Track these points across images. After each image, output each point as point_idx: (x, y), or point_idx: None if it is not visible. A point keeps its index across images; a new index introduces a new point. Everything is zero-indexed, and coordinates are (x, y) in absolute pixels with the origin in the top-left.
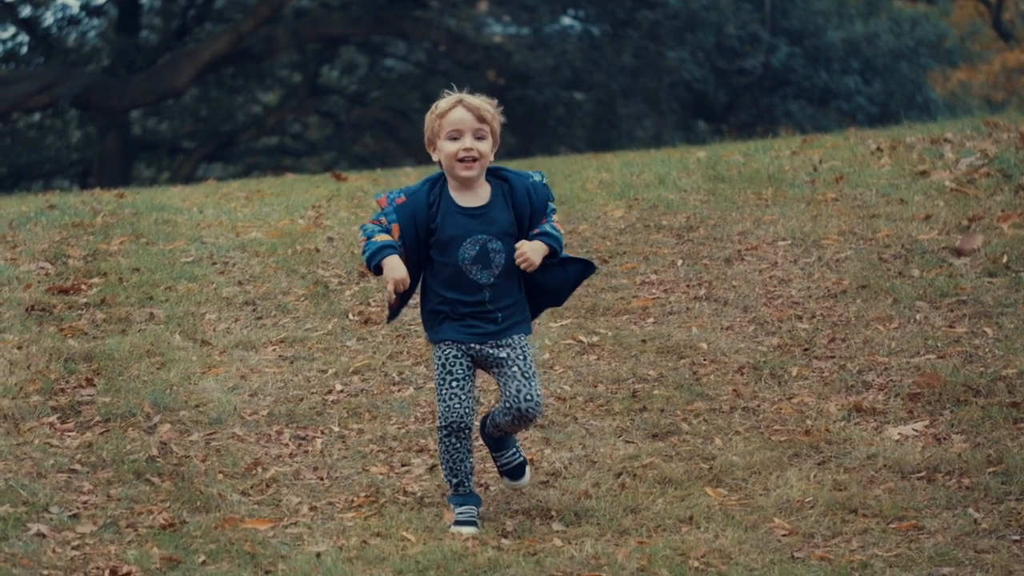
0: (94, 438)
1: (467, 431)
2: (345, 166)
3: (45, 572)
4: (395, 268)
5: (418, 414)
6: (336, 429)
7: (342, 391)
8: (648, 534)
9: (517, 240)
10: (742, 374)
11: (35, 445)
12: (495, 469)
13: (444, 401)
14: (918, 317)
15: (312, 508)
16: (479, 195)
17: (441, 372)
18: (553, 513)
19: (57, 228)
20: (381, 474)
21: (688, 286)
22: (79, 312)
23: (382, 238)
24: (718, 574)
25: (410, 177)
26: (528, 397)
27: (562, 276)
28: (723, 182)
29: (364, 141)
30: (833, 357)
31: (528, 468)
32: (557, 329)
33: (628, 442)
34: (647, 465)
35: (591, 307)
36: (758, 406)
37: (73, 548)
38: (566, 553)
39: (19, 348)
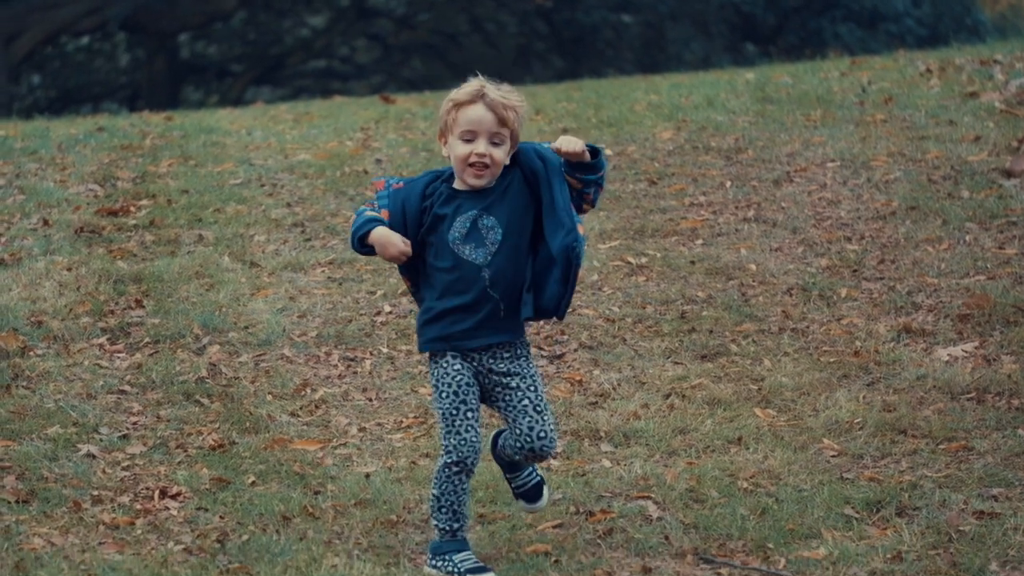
0: (143, 359)
1: (475, 466)
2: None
3: (95, 492)
4: (387, 240)
5: None
6: (385, 350)
7: (391, 312)
8: (697, 455)
9: (524, 223)
10: (791, 295)
11: (85, 366)
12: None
13: (457, 433)
14: (968, 238)
15: (361, 429)
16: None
17: (453, 399)
18: (602, 434)
19: (106, 150)
20: (430, 395)
21: (737, 207)
22: (128, 234)
23: (369, 213)
24: (767, 495)
25: None
26: (542, 434)
27: (556, 291)
28: (772, 104)
29: (412, 64)
30: (882, 278)
31: (546, 488)
32: (606, 250)
33: (677, 363)
34: (696, 386)
35: (639, 228)
36: (807, 327)
37: (123, 469)
38: (615, 474)
39: (68, 270)
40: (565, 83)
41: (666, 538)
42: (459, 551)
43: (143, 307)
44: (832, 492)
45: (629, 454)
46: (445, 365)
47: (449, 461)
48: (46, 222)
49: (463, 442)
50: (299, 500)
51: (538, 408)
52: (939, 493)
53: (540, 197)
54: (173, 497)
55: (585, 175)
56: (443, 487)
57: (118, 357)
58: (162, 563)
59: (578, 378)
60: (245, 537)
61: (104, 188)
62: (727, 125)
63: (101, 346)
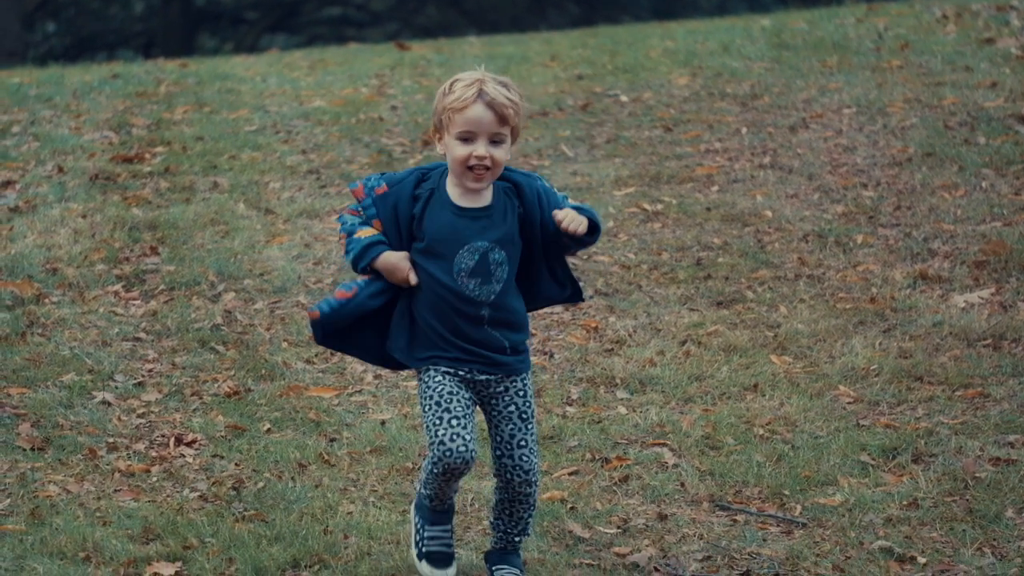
0: (159, 307)
1: (465, 467)
2: (408, 36)
3: (111, 439)
4: (394, 266)
5: None
6: None
7: None
8: (713, 402)
9: (519, 252)
10: (807, 242)
11: (100, 314)
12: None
13: (442, 443)
14: (984, 185)
15: (376, 376)
16: (481, 195)
17: (435, 409)
18: (617, 381)
19: (121, 97)
20: None
21: (752, 154)
22: (143, 181)
23: (366, 232)
24: (783, 441)
25: (473, 47)
26: (522, 443)
27: (556, 294)
28: (787, 50)
29: (427, 11)
30: (898, 225)
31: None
32: (621, 197)
33: (692, 310)
34: (712, 333)
35: (655, 175)
36: (823, 274)
37: (138, 416)
38: (631, 420)
39: (83, 217)
40: (580, 30)
41: (682, 485)
42: (434, 524)
43: (158, 254)
44: (848, 439)
45: (645, 401)
46: (427, 379)
47: (434, 462)
48: (61, 169)
49: (447, 452)
50: (314, 447)
51: (523, 416)
52: (955, 440)
53: (530, 237)
54: (188, 444)
55: (578, 243)
56: (429, 479)
57: (133, 304)
58: (177, 510)
59: (594, 325)
60: (260, 484)
61: (119, 135)
62: (743, 71)
63: (116, 293)
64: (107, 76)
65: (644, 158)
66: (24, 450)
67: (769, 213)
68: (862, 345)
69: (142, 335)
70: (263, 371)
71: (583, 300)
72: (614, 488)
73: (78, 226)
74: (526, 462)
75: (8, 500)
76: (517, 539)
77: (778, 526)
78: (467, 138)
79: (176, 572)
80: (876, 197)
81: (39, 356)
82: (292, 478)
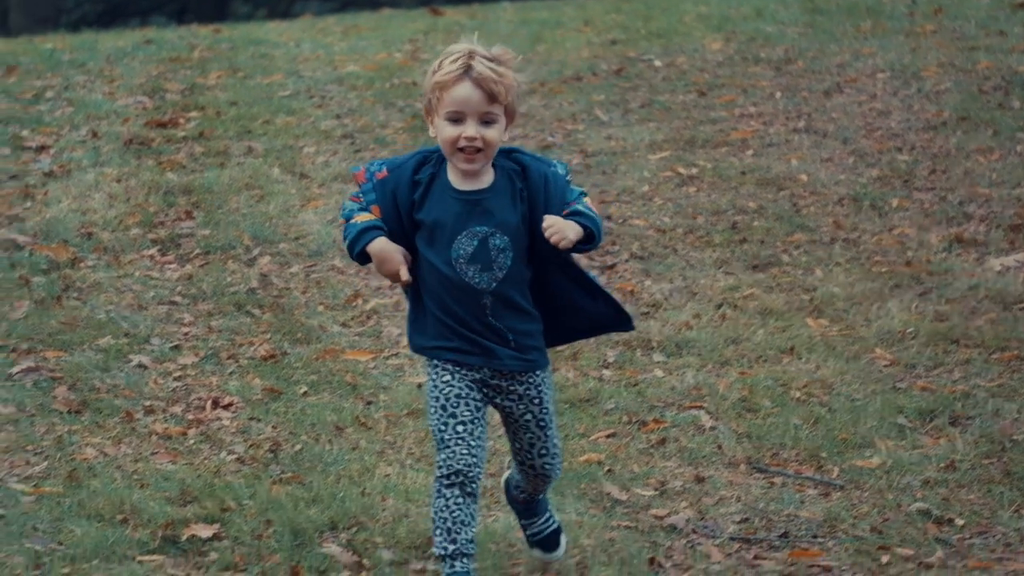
0: (194, 270)
1: (474, 484)
2: (441, 2)
3: (147, 403)
4: (387, 255)
5: None
6: None
7: None
8: (749, 365)
9: (525, 238)
10: (842, 205)
11: (136, 278)
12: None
13: (446, 446)
14: (1019, 148)
15: None
16: (479, 180)
17: (440, 413)
18: (654, 344)
19: (154, 63)
20: None
21: (787, 118)
22: (177, 146)
23: (363, 217)
24: (820, 404)
25: (506, 12)
26: (543, 451)
27: (588, 306)
28: (821, 14)
29: None
30: (933, 188)
31: (563, 536)
32: (656, 161)
33: (728, 273)
34: (748, 296)
35: (690, 139)
36: (858, 237)
37: (175, 379)
38: (667, 384)
39: (118, 181)
40: None
41: (719, 447)
42: None
43: (193, 218)
44: (885, 401)
45: (681, 364)
46: (435, 376)
47: (439, 475)
48: (95, 134)
49: (451, 455)
50: (351, 410)
51: (541, 424)
52: (992, 402)
53: (533, 225)
54: (225, 407)
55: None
56: (436, 503)
57: (169, 268)
58: (215, 473)
59: (630, 288)
60: (298, 447)
61: (153, 100)
62: (777, 36)
63: (151, 257)
64: (140, 42)
65: (678, 122)
66: (61, 413)
67: (804, 177)
68: (898, 308)
69: (178, 299)
70: (299, 334)
71: (630, 325)
72: (651, 451)
73: (113, 190)
74: (549, 468)
75: (46, 463)
76: (549, 530)
77: (815, 488)
78: (456, 119)
79: (214, 534)
80: (911, 161)
81: (75, 320)
82: (329, 441)
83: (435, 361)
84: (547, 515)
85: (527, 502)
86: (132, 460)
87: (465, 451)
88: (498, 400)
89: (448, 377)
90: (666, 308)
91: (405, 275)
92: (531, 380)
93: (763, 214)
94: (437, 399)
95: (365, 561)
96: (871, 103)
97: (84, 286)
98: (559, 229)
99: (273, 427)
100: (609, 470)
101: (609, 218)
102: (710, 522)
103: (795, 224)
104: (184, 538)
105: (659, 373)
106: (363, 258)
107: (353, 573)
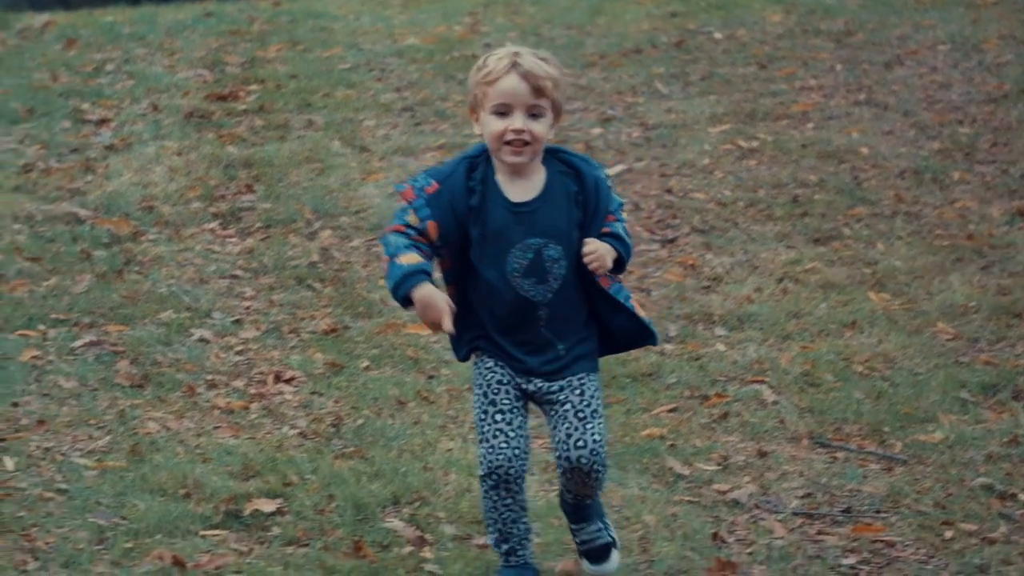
0: (255, 244)
1: (518, 482)
2: None
3: (209, 377)
4: (431, 302)
5: None
6: None
7: None
8: (811, 339)
9: (577, 245)
10: (903, 178)
11: (197, 251)
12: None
13: (486, 440)
14: None
15: None
16: (531, 184)
17: (482, 401)
18: (715, 318)
19: (214, 36)
20: None
21: (848, 91)
22: (238, 119)
23: (408, 259)
24: (882, 378)
25: None
26: (580, 443)
27: (611, 321)
28: None
29: None
30: (995, 161)
31: (616, 552)
32: (716, 134)
33: (790, 247)
34: (809, 270)
35: (750, 112)
36: (920, 210)
37: (236, 353)
38: (729, 358)
39: (179, 155)
40: None
41: (781, 422)
42: None
43: (254, 192)
44: (947, 376)
45: (743, 338)
46: (479, 364)
47: (482, 473)
48: (155, 107)
49: (490, 449)
50: (413, 384)
51: (580, 414)
52: None
53: (588, 218)
54: (287, 382)
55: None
56: (484, 503)
57: (230, 242)
58: (277, 447)
59: (691, 262)
60: (360, 421)
61: (213, 73)
62: (837, 8)
63: (212, 231)
64: (200, 15)
65: (739, 95)
66: (123, 387)
67: (865, 150)
68: (960, 282)
69: (239, 272)
70: (360, 308)
71: (653, 340)
72: (713, 425)
73: (173, 164)
74: (586, 462)
75: (108, 437)
76: (601, 542)
77: (878, 463)
78: (502, 111)
79: (277, 509)
80: (972, 134)
81: (136, 294)
82: (391, 415)
83: (480, 352)
84: (598, 525)
85: (575, 506)
86: (194, 434)
87: (504, 444)
88: (539, 395)
89: (491, 363)
90: (727, 282)
91: (448, 326)
92: (573, 378)
93: (824, 187)
94: (480, 386)
95: (428, 536)
96: (932, 75)
97: (145, 260)
98: (600, 257)
99: (335, 401)
100: (671, 445)
101: (670, 191)
102: (773, 497)
103: (856, 197)
104: (247, 513)
105: (721, 347)
106: (407, 302)
107: (416, 548)
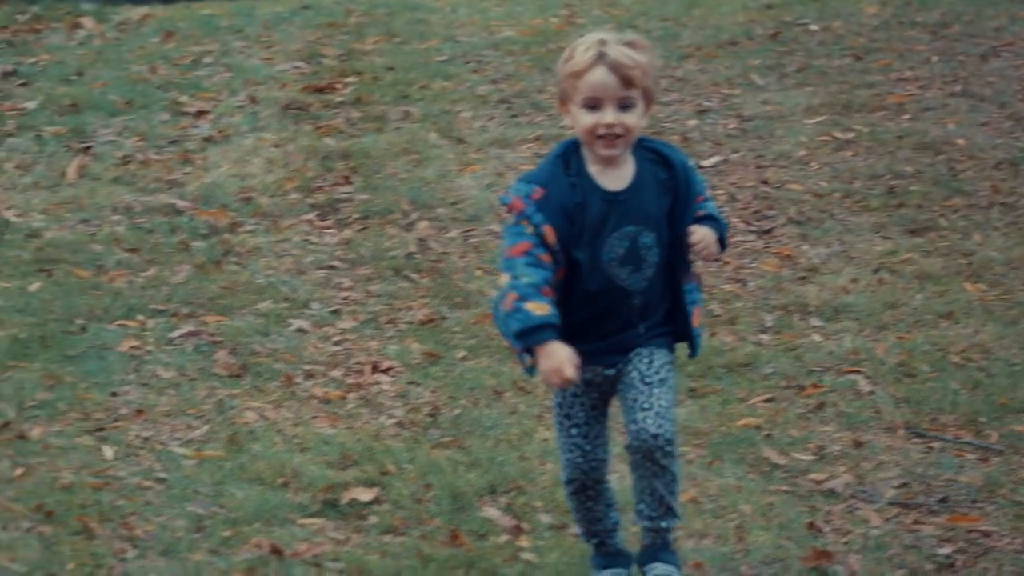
0: (353, 235)
1: (598, 486)
2: None
3: (307, 367)
4: (558, 359)
5: None
6: None
7: None
8: (907, 329)
9: (668, 232)
10: (1000, 169)
11: (294, 242)
12: None
13: (564, 452)
14: None
15: None
16: (622, 173)
17: (557, 413)
18: (811, 308)
19: (311, 28)
20: None
21: (944, 82)
22: (335, 111)
23: (539, 310)
24: (978, 369)
25: None
26: (647, 405)
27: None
28: None
29: None
30: None
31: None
32: (812, 126)
33: (886, 238)
34: (905, 260)
35: (846, 103)
36: (1016, 201)
37: (334, 344)
38: (825, 348)
39: (276, 146)
40: None
41: (877, 412)
42: (605, 567)
43: (351, 183)
44: None
45: (839, 328)
46: None
47: (563, 478)
48: (253, 99)
49: (568, 462)
50: (509, 374)
51: (647, 380)
52: None
53: (675, 214)
54: (384, 371)
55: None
56: (570, 502)
57: (327, 233)
58: (374, 437)
59: (787, 253)
60: (457, 411)
61: (310, 65)
62: (932, 0)
63: (310, 222)
64: (297, 7)
65: (835, 86)
66: (221, 377)
67: (961, 141)
68: None
69: (337, 263)
70: (457, 299)
71: (696, 352)
72: (809, 415)
73: (271, 155)
74: (651, 424)
75: (207, 427)
76: (664, 525)
77: (974, 453)
78: (593, 104)
79: (374, 498)
80: None
81: (235, 284)
82: (488, 405)
83: None
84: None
85: (649, 547)
86: (292, 424)
87: (580, 458)
88: (611, 373)
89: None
90: (823, 272)
91: (575, 377)
92: (644, 350)
93: (920, 178)
94: (556, 394)
95: (524, 525)
96: None
97: (243, 251)
98: (708, 244)
99: (432, 391)
100: (768, 435)
101: (766, 182)
102: (869, 487)
103: (952, 188)
104: (344, 501)
105: (817, 338)
106: (526, 348)
107: (512, 537)
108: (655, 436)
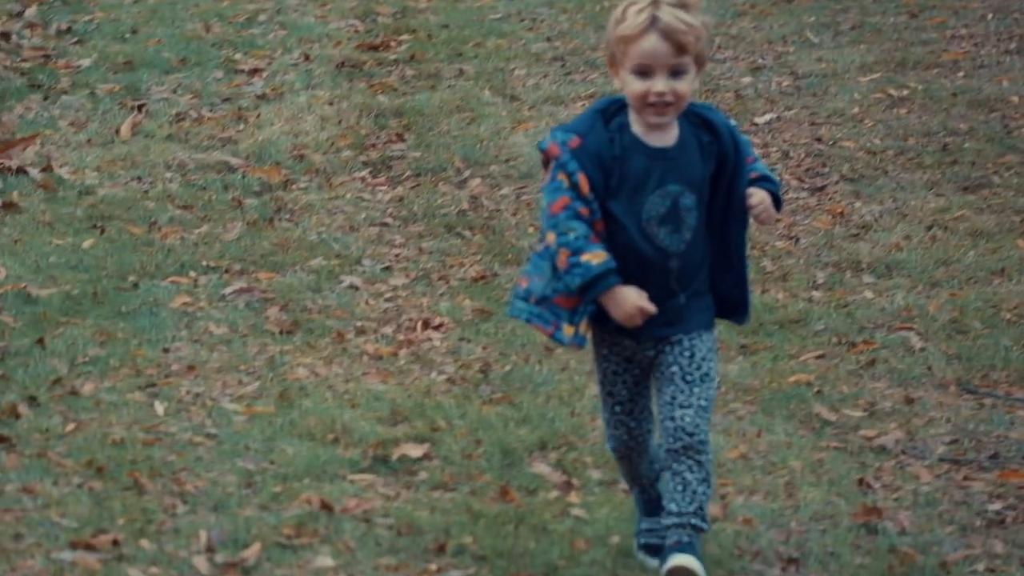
0: (405, 192)
1: (642, 449)
2: None
3: (359, 323)
4: (628, 298)
5: None
6: None
7: None
8: (959, 286)
9: (708, 195)
10: None
11: (347, 199)
12: None
13: (607, 424)
14: None
15: None
16: (667, 134)
17: (601, 389)
18: (864, 265)
19: None
20: None
21: (999, 40)
22: (389, 68)
23: (596, 257)
24: None
25: None
26: (685, 403)
27: (721, 280)
28: None
29: None
30: None
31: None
32: (866, 83)
33: (939, 195)
34: (958, 218)
35: (900, 61)
36: None
37: (386, 300)
38: (877, 305)
39: (330, 104)
40: None
41: (929, 368)
42: (647, 515)
43: (404, 141)
44: None
45: (891, 285)
46: (596, 345)
47: (609, 446)
48: (307, 57)
49: (612, 436)
50: None
51: (689, 377)
52: None
53: (718, 184)
54: (436, 328)
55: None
56: (617, 465)
57: (380, 190)
58: (425, 393)
59: (839, 210)
60: (508, 367)
61: (364, 23)
62: None
63: (363, 179)
64: None
65: (889, 44)
66: (273, 333)
67: (1015, 99)
68: None
69: (389, 220)
70: (509, 256)
71: (745, 318)
72: (860, 372)
73: (325, 113)
74: (689, 423)
75: (258, 383)
76: (693, 523)
77: None
78: (644, 71)
79: (424, 454)
80: None
81: (287, 241)
82: (539, 361)
83: (598, 339)
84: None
85: (675, 544)
86: (343, 380)
87: (624, 435)
88: (651, 354)
89: (606, 351)
90: (876, 230)
91: (650, 307)
92: (684, 338)
93: (974, 136)
94: (598, 372)
95: (574, 481)
96: None
97: (296, 208)
98: (767, 208)
99: (483, 348)
100: (818, 391)
101: (819, 140)
102: (919, 443)
103: (1006, 146)
104: (395, 457)
105: (869, 294)
106: (591, 299)
107: (562, 493)
108: (690, 434)
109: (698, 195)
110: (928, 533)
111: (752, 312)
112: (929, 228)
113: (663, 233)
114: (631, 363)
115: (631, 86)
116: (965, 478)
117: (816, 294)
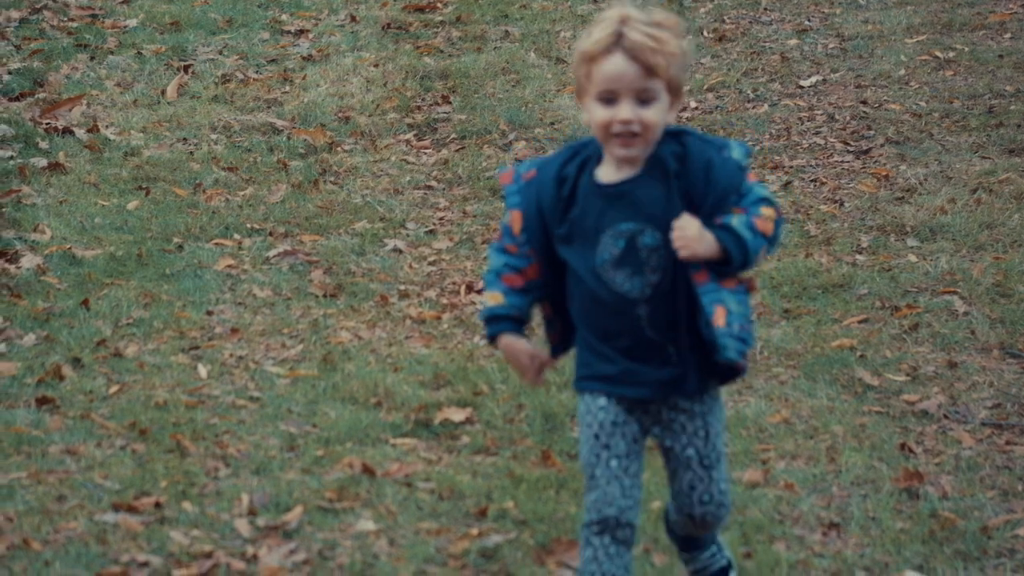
0: (450, 155)
1: (628, 530)
2: None
3: (402, 287)
4: (512, 354)
5: (772, 131)
6: None
7: (696, 108)
8: (1004, 249)
9: None
10: None
11: (392, 162)
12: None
13: (597, 485)
14: None
15: None
16: (632, 166)
17: (593, 444)
18: (908, 229)
19: None
20: None
21: None
22: (435, 30)
23: (493, 299)
24: None
25: None
26: (706, 497)
27: (704, 331)
28: None
29: None
30: None
31: (733, 574)
32: (912, 45)
33: (984, 158)
34: (1003, 181)
35: (947, 23)
36: None
37: (429, 264)
38: (921, 269)
39: (376, 66)
40: None
41: (972, 333)
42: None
43: (450, 103)
44: None
45: (935, 249)
46: (590, 400)
47: (589, 520)
48: (353, 18)
49: (603, 496)
50: None
51: (705, 462)
52: None
53: (697, 204)
54: (479, 292)
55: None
56: (584, 553)
57: (424, 153)
58: (468, 357)
59: (884, 173)
60: None
61: None
62: None
63: (408, 142)
64: None
65: (936, 5)
66: (316, 296)
67: None
68: None
69: (433, 183)
70: None
71: (740, 371)
72: (904, 336)
73: (370, 75)
74: (712, 519)
75: (301, 346)
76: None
77: None
78: (608, 97)
79: (467, 418)
80: None
81: (331, 204)
82: None
83: (592, 391)
84: (712, 550)
85: (684, 537)
86: (386, 344)
87: (618, 492)
88: (656, 431)
89: (603, 401)
90: (921, 193)
91: (537, 382)
92: (695, 408)
93: (1020, 98)
94: (590, 425)
95: None
96: None
97: (341, 170)
98: (688, 239)
99: None
100: (861, 355)
101: (865, 103)
102: (962, 407)
103: None
104: (437, 421)
105: (912, 258)
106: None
107: None
108: (712, 524)
109: (665, 232)
110: (970, 498)
111: (733, 356)
112: (974, 191)
113: (620, 277)
114: (631, 414)
115: (595, 115)
116: (1007, 442)
117: (860, 258)
